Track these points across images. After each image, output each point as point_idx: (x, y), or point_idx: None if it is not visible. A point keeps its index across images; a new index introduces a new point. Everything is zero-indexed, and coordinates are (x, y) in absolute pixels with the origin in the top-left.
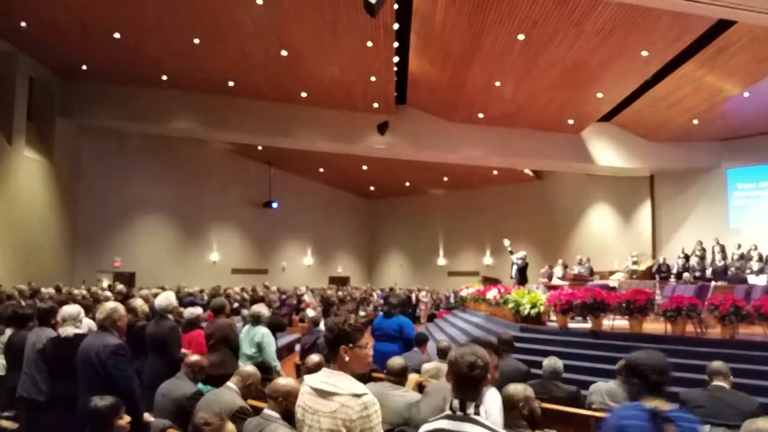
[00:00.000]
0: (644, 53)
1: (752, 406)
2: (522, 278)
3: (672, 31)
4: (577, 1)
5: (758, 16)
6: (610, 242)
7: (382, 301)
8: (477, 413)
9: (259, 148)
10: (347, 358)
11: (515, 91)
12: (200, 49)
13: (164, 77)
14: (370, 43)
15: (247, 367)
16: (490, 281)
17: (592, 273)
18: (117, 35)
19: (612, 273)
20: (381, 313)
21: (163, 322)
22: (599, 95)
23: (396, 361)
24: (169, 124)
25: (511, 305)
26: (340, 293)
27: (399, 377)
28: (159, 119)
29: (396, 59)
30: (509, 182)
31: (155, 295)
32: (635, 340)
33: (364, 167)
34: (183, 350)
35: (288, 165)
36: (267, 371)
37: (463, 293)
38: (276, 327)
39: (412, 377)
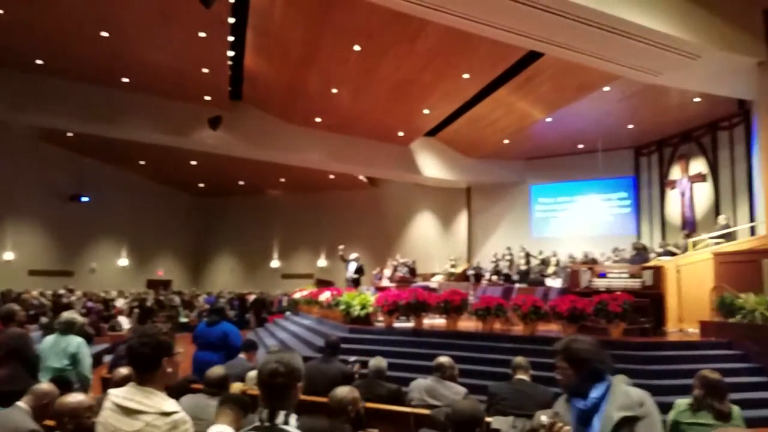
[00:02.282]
0: (466, 76)
1: (548, 397)
2: (356, 280)
3: (490, 57)
4: (409, 20)
5: (561, 50)
6: (433, 247)
7: (207, 306)
8: (287, 422)
9: (69, 134)
10: (170, 369)
11: (351, 100)
12: (3, 20)
13: None
14: (202, 34)
15: (43, 385)
16: (324, 283)
17: (413, 273)
18: None
19: (433, 275)
20: (204, 321)
21: None
22: (426, 112)
23: (215, 371)
24: None
25: (342, 307)
26: (161, 298)
27: (218, 388)
28: None
29: (231, 53)
30: (345, 187)
31: None
32: (451, 337)
33: (193, 162)
34: None
35: (103, 155)
36: (69, 386)
37: (296, 296)
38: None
39: (235, 386)
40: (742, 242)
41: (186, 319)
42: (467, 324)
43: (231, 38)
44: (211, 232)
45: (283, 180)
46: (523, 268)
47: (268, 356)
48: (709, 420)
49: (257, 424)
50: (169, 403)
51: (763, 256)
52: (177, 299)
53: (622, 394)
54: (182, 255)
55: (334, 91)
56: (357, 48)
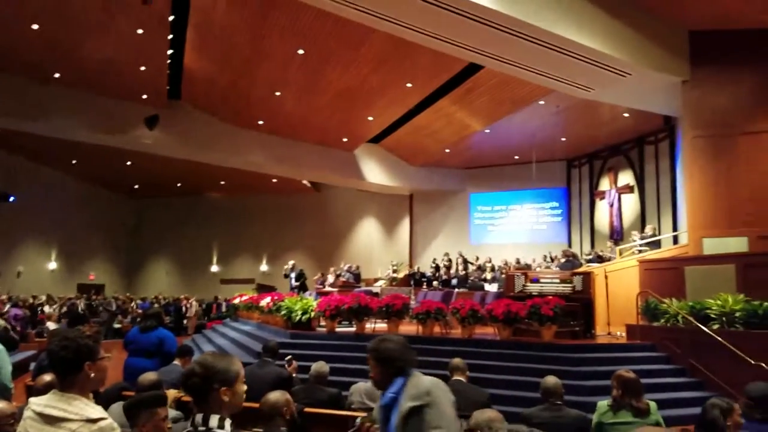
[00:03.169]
0: (409, 85)
1: (483, 397)
2: (300, 287)
3: (432, 68)
4: (353, 26)
5: (500, 63)
6: (376, 252)
7: (141, 312)
8: (222, 426)
9: None
10: (93, 374)
11: (295, 104)
12: None
13: None
14: (140, 30)
15: None
16: (265, 289)
17: (358, 279)
18: None
19: (376, 280)
20: (136, 326)
21: None
22: (370, 118)
23: (146, 377)
24: None
25: (283, 312)
26: (94, 303)
27: None
28: None
29: (170, 51)
30: (288, 192)
31: None
32: None
33: (128, 162)
34: None
35: (33, 153)
36: None
37: (236, 301)
38: (6, 344)
39: (170, 393)
40: (666, 251)
41: (119, 325)
42: (408, 328)
43: (170, 36)
44: (147, 235)
45: (223, 183)
46: (462, 273)
47: (194, 358)
48: (628, 418)
49: (190, 429)
50: (94, 410)
51: (685, 263)
52: (114, 304)
53: (413, 386)
54: (115, 258)
55: (278, 93)
56: (301, 51)
